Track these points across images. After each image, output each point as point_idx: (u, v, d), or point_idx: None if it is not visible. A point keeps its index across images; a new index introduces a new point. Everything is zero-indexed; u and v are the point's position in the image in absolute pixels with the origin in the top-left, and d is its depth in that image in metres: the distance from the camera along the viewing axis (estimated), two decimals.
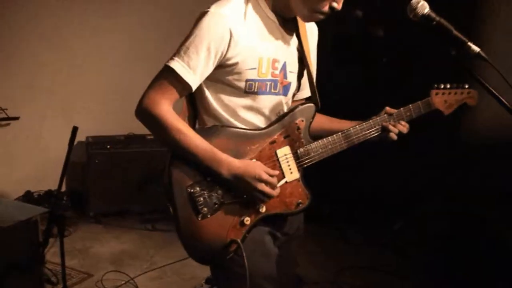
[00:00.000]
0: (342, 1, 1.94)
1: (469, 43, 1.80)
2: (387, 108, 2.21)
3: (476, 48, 1.80)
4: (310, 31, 2.18)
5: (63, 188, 5.31)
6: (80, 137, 4.86)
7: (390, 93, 3.95)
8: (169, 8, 5.58)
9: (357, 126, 2.15)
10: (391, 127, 2.17)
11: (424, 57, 4.17)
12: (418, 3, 1.84)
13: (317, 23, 2.19)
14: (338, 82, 4.78)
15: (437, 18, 1.84)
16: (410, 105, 2.22)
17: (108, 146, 5.18)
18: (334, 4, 1.92)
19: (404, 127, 2.19)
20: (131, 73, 5.38)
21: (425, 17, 1.84)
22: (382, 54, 5.01)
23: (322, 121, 2.24)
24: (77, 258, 4.35)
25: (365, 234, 4.87)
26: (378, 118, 2.18)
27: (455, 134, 4.49)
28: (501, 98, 1.80)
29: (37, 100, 5.29)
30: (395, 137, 2.17)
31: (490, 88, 1.82)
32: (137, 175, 5.13)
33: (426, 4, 1.84)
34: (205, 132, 1.97)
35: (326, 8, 1.92)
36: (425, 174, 4.68)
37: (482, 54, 1.80)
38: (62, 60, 5.37)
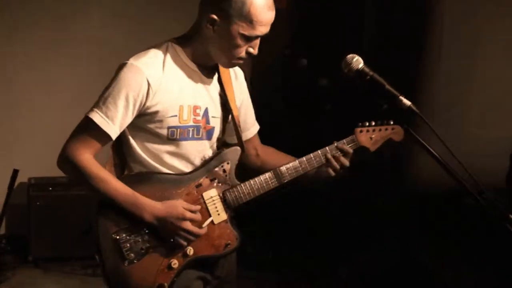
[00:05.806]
0: (257, 46, 2.03)
1: (401, 97, 1.90)
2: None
3: (407, 102, 1.90)
4: (235, 76, 2.26)
5: (2, 231, 5.14)
6: (22, 178, 4.74)
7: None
8: (119, 46, 5.46)
9: (283, 166, 2.19)
10: (332, 159, 2.19)
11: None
12: (353, 58, 1.93)
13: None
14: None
15: (371, 73, 1.93)
16: (336, 142, 2.24)
17: (50, 188, 5.06)
18: (251, 50, 2.01)
19: (346, 160, 2.21)
20: (77, 111, 5.24)
21: (359, 71, 1.93)
22: (325, 102, 5.14)
23: (281, 158, 2.29)
24: None
25: (310, 280, 4.87)
26: (304, 158, 2.22)
27: (399, 178, 4.60)
28: (435, 154, 1.90)
29: None
30: (332, 173, 2.20)
31: (422, 142, 1.92)
32: (78, 218, 5.02)
33: (360, 60, 1.93)
34: (130, 179, 2.03)
35: (243, 54, 2.01)
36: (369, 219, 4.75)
37: (413, 107, 1.89)
38: (3, 96, 5.23)
